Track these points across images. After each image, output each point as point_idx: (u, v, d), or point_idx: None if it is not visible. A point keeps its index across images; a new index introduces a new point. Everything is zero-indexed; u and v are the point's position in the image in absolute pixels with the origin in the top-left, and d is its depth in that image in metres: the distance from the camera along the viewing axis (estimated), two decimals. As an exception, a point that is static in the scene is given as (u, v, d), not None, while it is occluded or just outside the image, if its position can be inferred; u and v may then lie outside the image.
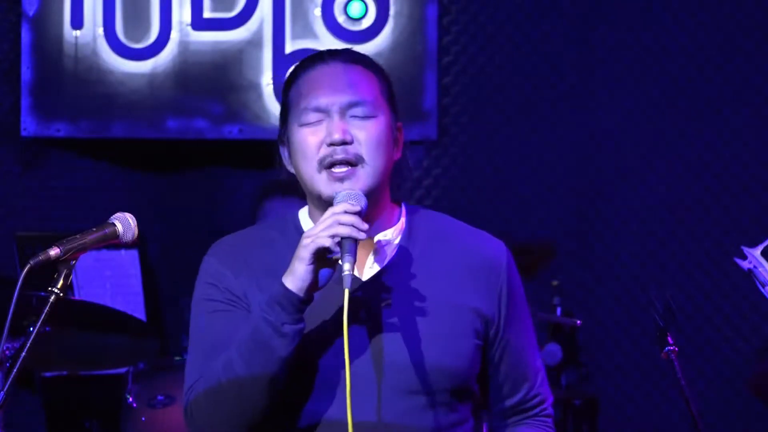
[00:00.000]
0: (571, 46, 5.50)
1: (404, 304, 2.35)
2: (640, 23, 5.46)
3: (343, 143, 2.33)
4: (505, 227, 5.48)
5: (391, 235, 2.40)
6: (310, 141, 2.36)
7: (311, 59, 2.45)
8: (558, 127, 5.51)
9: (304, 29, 5.48)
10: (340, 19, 5.47)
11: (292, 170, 2.42)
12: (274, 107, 5.46)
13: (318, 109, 2.36)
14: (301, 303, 2.27)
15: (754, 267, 3.06)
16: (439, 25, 5.50)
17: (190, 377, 2.38)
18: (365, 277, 2.37)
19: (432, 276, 2.39)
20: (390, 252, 2.40)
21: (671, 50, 5.44)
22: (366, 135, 2.36)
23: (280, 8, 5.48)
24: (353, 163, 2.34)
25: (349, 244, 2.23)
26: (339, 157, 2.33)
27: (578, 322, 4.92)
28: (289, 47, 5.48)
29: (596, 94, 5.49)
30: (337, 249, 2.24)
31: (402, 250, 2.40)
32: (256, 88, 5.49)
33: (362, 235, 2.25)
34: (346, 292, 2.20)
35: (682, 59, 5.43)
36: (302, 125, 2.37)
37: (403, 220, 2.44)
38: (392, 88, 2.46)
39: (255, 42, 5.50)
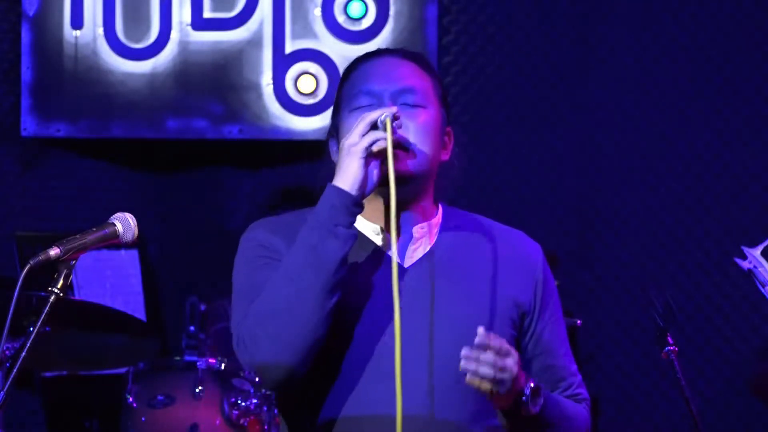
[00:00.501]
0: (571, 46, 5.50)
1: (444, 292, 2.36)
2: (640, 23, 5.46)
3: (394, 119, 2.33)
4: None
5: (428, 227, 2.43)
6: None
7: (366, 55, 2.50)
8: (558, 128, 5.51)
9: (304, 29, 5.48)
10: (340, 19, 5.47)
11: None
12: (274, 107, 5.46)
13: (370, 93, 2.39)
14: (353, 204, 2.26)
15: (754, 267, 3.06)
16: (439, 25, 5.50)
17: (238, 314, 2.32)
18: (407, 265, 2.38)
19: (470, 266, 2.41)
20: (429, 242, 2.41)
21: (671, 50, 5.43)
22: (415, 122, 2.38)
23: (280, 8, 5.48)
24: (401, 146, 2.34)
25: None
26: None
27: (578, 322, 4.92)
28: (289, 47, 5.48)
29: (596, 94, 5.49)
30: (381, 122, 2.28)
31: (440, 241, 2.43)
32: (256, 88, 5.49)
33: (393, 109, 2.28)
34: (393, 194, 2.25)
35: (682, 59, 5.43)
36: (354, 109, 2.39)
37: (440, 215, 2.47)
38: (445, 91, 2.49)
39: (255, 42, 5.50)
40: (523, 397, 2.26)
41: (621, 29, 5.47)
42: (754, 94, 5.40)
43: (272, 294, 2.26)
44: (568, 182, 5.51)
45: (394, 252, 2.29)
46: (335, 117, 2.46)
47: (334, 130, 2.45)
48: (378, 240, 2.39)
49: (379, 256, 2.37)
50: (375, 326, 2.32)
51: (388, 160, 2.28)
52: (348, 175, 2.27)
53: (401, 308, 2.26)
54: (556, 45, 5.50)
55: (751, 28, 5.40)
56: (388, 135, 2.28)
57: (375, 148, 2.29)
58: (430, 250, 2.40)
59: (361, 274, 2.34)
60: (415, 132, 2.37)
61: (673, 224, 5.44)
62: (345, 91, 2.45)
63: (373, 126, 2.30)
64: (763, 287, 3.06)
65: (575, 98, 5.50)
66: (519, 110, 5.53)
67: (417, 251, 2.39)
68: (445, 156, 2.46)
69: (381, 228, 2.39)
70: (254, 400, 4.43)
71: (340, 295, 2.26)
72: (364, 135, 2.29)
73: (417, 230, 2.40)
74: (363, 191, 2.28)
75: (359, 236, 2.34)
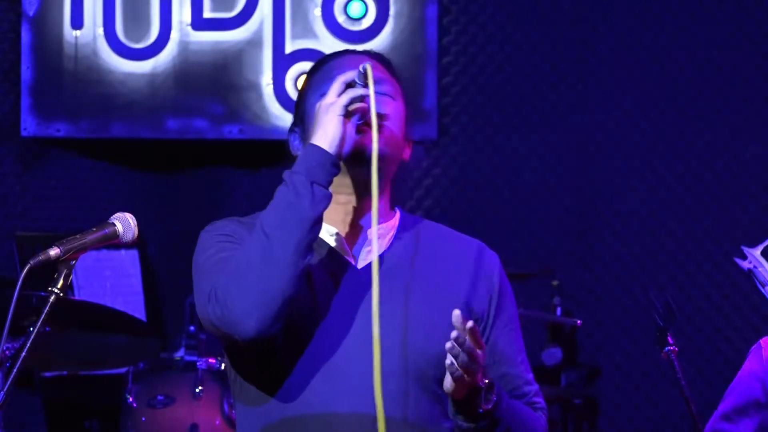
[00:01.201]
0: (571, 46, 5.50)
1: (398, 293, 2.35)
2: (640, 23, 5.46)
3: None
4: (504, 227, 5.48)
5: (384, 230, 2.41)
6: None
7: (332, 54, 2.49)
8: (558, 127, 5.51)
9: (304, 29, 5.48)
10: (340, 19, 5.47)
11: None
12: (274, 107, 5.46)
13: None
14: (331, 164, 2.25)
15: (754, 267, 3.06)
16: (439, 25, 5.50)
17: (205, 285, 2.28)
18: (360, 266, 2.37)
19: (424, 271, 2.39)
20: (384, 244, 2.40)
21: (671, 50, 5.44)
22: (389, 107, 2.37)
23: (280, 8, 5.48)
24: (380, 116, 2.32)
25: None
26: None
27: (578, 322, 4.92)
28: (289, 47, 5.48)
29: (596, 95, 5.49)
30: (360, 81, 2.27)
31: (396, 243, 2.41)
32: (256, 88, 5.49)
33: (368, 65, 2.28)
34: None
35: (682, 59, 5.43)
36: (323, 94, 2.36)
37: (397, 219, 2.45)
38: (408, 100, 2.47)
39: (255, 42, 5.50)
40: (479, 391, 2.23)
41: (621, 29, 5.47)
42: (754, 94, 5.41)
43: (247, 249, 2.25)
44: (568, 182, 5.51)
45: (374, 222, 2.27)
46: (300, 107, 2.45)
47: (299, 120, 2.44)
48: (332, 241, 2.38)
49: (334, 258, 2.35)
50: (329, 329, 2.31)
51: (370, 107, 2.26)
52: (326, 133, 2.26)
53: (355, 310, 2.28)
54: (556, 45, 5.50)
55: (751, 28, 5.40)
56: (370, 81, 2.26)
57: (352, 108, 2.28)
58: (383, 254, 2.38)
59: (316, 276, 2.33)
60: (389, 115, 2.36)
61: (673, 224, 5.44)
62: (313, 81, 2.43)
63: (348, 86, 2.30)
64: (763, 287, 3.06)
65: (575, 98, 5.50)
66: (519, 110, 5.53)
67: (371, 253, 2.36)
68: (406, 155, 2.44)
69: (337, 232, 2.38)
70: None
71: (310, 259, 2.26)
72: (340, 95, 2.28)
73: (371, 232, 2.37)
74: (340, 151, 2.27)
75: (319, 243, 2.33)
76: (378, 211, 2.33)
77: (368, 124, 2.30)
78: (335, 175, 2.28)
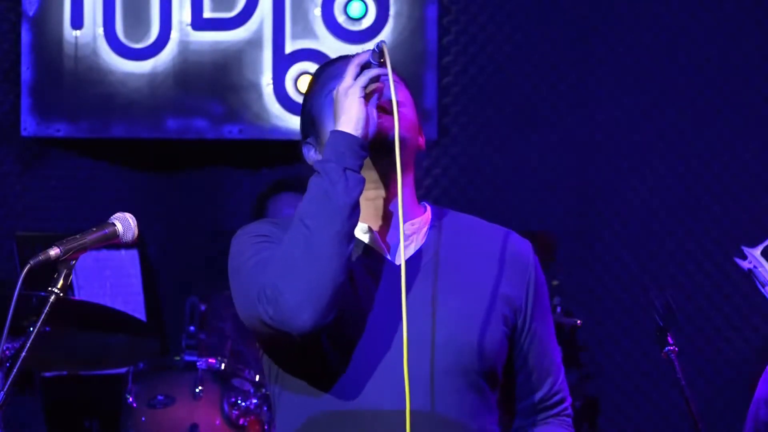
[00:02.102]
0: (571, 46, 5.50)
1: (438, 289, 2.35)
2: (640, 23, 5.46)
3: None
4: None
5: (419, 224, 2.40)
6: None
7: (334, 59, 2.48)
8: (558, 127, 5.51)
9: (304, 29, 5.48)
10: (340, 19, 5.47)
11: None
12: (274, 107, 5.46)
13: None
14: (360, 147, 2.24)
15: (754, 267, 3.06)
16: (439, 25, 5.50)
17: (252, 284, 2.26)
18: (398, 262, 2.35)
19: (462, 264, 2.39)
20: (420, 239, 2.40)
21: (671, 50, 5.44)
22: (400, 91, 2.36)
23: (280, 8, 5.48)
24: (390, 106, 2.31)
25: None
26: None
27: (578, 322, 4.92)
28: (289, 47, 5.48)
29: (596, 94, 5.49)
30: (374, 61, 2.28)
31: (431, 238, 2.40)
32: (256, 88, 5.49)
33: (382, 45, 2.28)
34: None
35: (682, 59, 5.43)
36: (329, 93, 2.36)
37: (428, 213, 2.45)
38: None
39: (255, 42, 5.50)
40: None
41: (621, 29, 5.47)
42: (754, 94, 5.41)
43: (289, 244, 2.23)
44: (568, 182, 5.51)
45: (399, 207, 2.26)
46: (308, 113, 2.42)
47: (310, 126, 2.41)
48: (366, 238, 2.37)
49: (370, 254, 2.35)
50: (372, 324, 2.31)
51: (390, 89, 2.26)
52: (350, 117, 2.25)
53: (396, 306, 2.26)
54: (556, 45, 5.50)
55: (751, 28, 5.40)
56: (387, 59, 2.25)
57: (369, 89, 2.28)
58: (421, 248, 2.38)
59: (355, 273, 2.32)
60: (402, 101, 2.36)
61: (673, 224, 5.44)
62: (321, 80, 2.42)
63: (363, 68, 2.29)
64: (763, 287, 3.06)
65: (575, 98, 5.50)
66: (519, 110, 5.53)
67: (408, 248, 2.36)
68: (422, 143, 2.44)
69: (368, 227, 2.37)
70: (254, 400, 4.43)
71: (352, 246, 2.25)
72: (356, 78, 2.28)
73: (407, 227, 2.38)
74: (366, 132, 2.26)
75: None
76: (406, 201, 2.35)
77: (384, 109, 2.30)
78: (365, 158, 2.26)
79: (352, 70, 2.29)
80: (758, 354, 5.32)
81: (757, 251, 3.07)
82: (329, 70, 2.43)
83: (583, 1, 5.49)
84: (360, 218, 2.31)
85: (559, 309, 5.25)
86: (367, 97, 2.27)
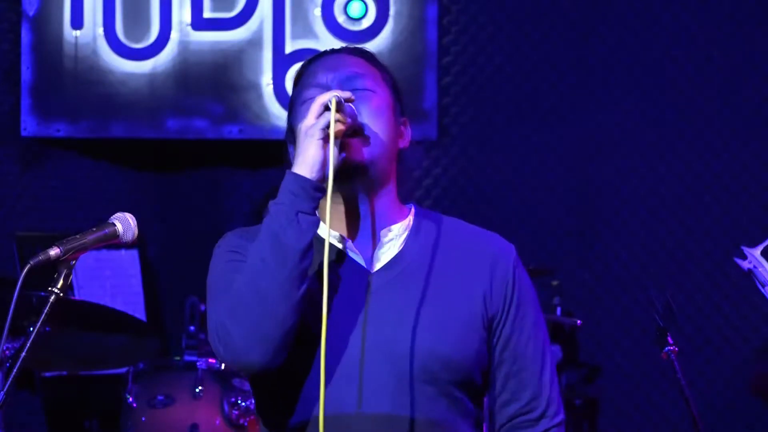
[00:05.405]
0: (571, 46, 5.50)
1: (411, 296, 2.34)
2: (640, 23, 5.46)
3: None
4: (504, 227, 5.47)
5: (398, 230, 2.40)
6: None
7: (315, 56, 2.49)
8: (558, 127, 5.51)
9: (304, 29, 5.48)
10: (340, 19, 5.47)
11: None
12: (274, 107, 5.47)
13: (318, 85, 2.38)
14: (313, 189, 2.24)
15: (754, 267, 3.06)
16: (439, 25, 5.51)
17: (213, 316, 2.29)
18: (375, 269, 2.36)
19: (441, 268, 2.38)
20: (398, 245, 2.39)
21: (671, 50, 5.44)
22: (367, 105, 2.36)
23: (280, 8, 5.48)
24: (356, 132, 2.31)
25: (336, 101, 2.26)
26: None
27: (578, 322, 4.93)
28: (289, 47, 5.48)
29: (596, 94, 5.49)
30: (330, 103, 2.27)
31: (410, 243, 2.40)
32: (256, 88, 5.49)
33: (347, 94, 2.27)
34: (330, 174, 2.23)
35: (682, 59, 5.43)
36: (304, 101, 2.38)
37: (411, 217, 2.44)
38: (396, 85, 2.47)
39: (255, 42, 5.50)
40: None
41: (621, 29, 5.47)
42: (754, 94, 5.41)
43: (239, 286, 2.25)
44: (568, 182, 5.52)
45: (327, 239, 2.25)
46: (289, 116, 2.45)
47: (290, 132, 2.43)
48: (341, 246, 2.37)
49: (345, 263, 2.35)
50: (343, 332, 2.31)
51: (330, 138, 2.26)
52: (306, 159, 2.25)
53: (368, 315, 2.28)
54: (556, 45, 5.50)
55: (751, 28, 5.41)
56: (332, 120, 2.25)
57: (330, 129, 2.27)
58: (397, 254, 2.38)
59: (329, 281, 2.32)
60: (368, 115, 2.35)
61: (673, 224, 5.44)
62: (296, 91, 2.45)
63: (327, 108, 2.28)
64: (763, 287, 3.06)
65: (575, 98, 5.51)
66: (519, 110, 5.53)
67: (384, 255, 2.37)
68: (403, 143, 2.43)
69: (341, 235, 2.37)
70: (254, 400, 4.43)
71: (307, 285, 2.25)
72: (319, 116, 2.28)
73: (384, 233, 2.38)
74: (323, 174, 2.26)
75: (322, 242, 2.30)
76: (384, 208, 2.37)
77: (355, 132, 2.30)
78: (320, 198, 2.26)
79: (315, 108, 2.28)
80: (758, 354, 5.33)
81: (757, 251, 3.07)
82: (309, 71, 2.44)
83: (583, 1, 5.49)
84: (335, 227, 2.35)
85: (559, 309, 5.26)
86: (327, 138, 2.26)
